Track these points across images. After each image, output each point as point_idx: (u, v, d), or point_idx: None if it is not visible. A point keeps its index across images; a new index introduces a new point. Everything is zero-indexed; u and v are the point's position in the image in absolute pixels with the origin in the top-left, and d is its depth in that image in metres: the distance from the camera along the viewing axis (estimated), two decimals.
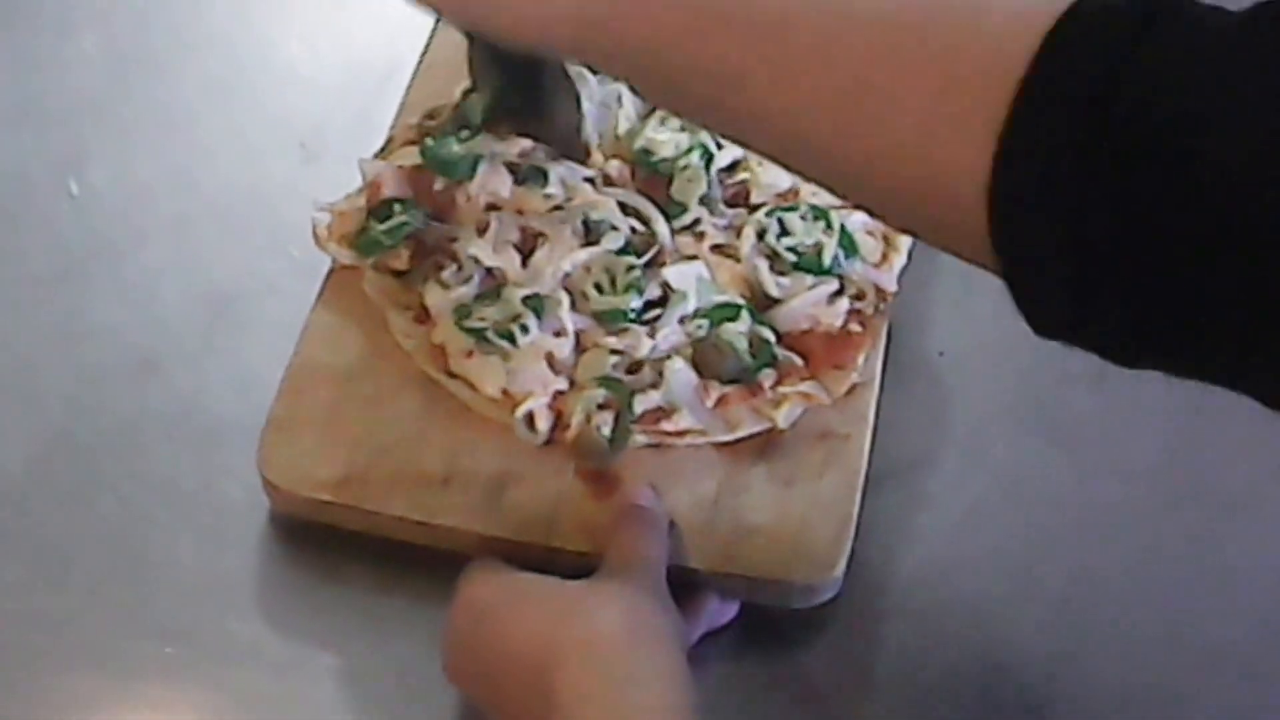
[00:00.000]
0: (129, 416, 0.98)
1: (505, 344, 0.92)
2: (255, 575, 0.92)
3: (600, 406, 0.91)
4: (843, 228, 0.97)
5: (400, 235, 0.97)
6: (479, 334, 0.93)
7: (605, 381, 0.92)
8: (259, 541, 0.93)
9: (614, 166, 1.01)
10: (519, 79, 0.94)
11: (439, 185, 0.99)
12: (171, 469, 0.96)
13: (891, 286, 0.97)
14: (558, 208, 0.98)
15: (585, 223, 0.97)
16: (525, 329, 0.92)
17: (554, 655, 0.77)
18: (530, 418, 0.92)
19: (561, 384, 0.93)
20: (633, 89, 0.79)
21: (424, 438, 0.92)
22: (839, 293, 0.96)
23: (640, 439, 0.92)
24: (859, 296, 0.96)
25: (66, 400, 0.99)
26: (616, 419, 0.91)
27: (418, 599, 0.89)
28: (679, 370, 0.93)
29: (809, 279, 0.96)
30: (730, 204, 1.00)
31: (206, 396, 0.98)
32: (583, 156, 1.00)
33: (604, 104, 1.02)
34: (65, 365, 1.00)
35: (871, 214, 0.76)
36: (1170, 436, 0.96)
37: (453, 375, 0.94)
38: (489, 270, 0.95)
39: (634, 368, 0.93)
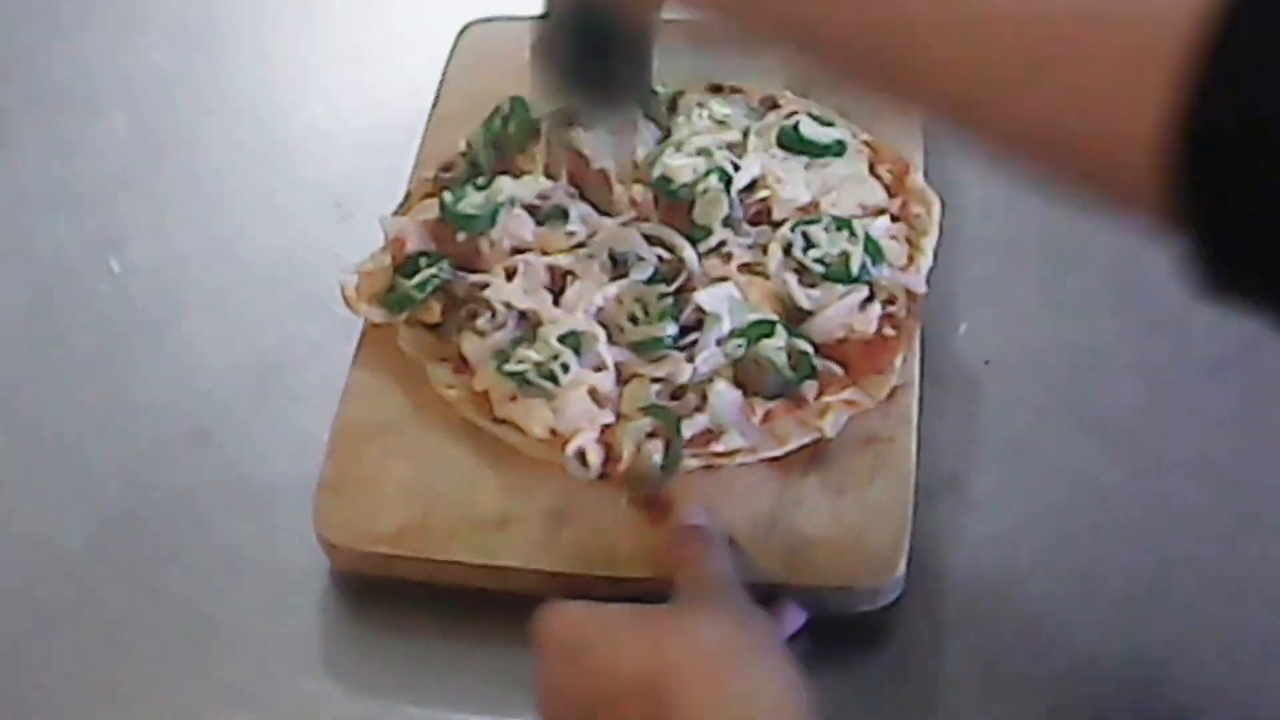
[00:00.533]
0: (184, 488, 0.98)
1: (548, 384, 0.92)
2: (322, 634, 0.93)
3: (649, 435, 0.92)
4: (867, 235, 0.97)
5: (429, 288, 0.97)
6: (521, 377, 0.93)
7: (651, 410, 0.92)
8: (323, 600, 0.94)
9: (637, 191, 1.01)
10: (592, 54, 0.90)
11: (462, 235, 0.99)
12: (230, 536, 0.96)
13: (921, 288, 0.97)
14: (581, 244, 0.98)
15: (612, 256, 0.97)
16: (566, 367, 0.93)
17: (665, 680, 0.76)
18: (581, 454, 0.92)
19: (608, 417, 0.93)
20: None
21: (477, 483, 0.93)
22: (870, 299, 0.96)
23: (692, 462, 0.92)
24: (890, 301, 0.96)
25: (121, 476, 0.99)
26: (667, 445, 0.91)
27: (483, 642, 0.90)
28: (722, 391, 0.93)
29: (839, 288, 0.96)
30: (753, 222, 1.00)
31: (259, 462, 0.99)
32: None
33: (619, 132, 1.02)
34: (117, 442, 1.01)
35: (1037, 173, 0.73)
36: (1222, 429, 0.95)
37: (499, 421, 0.94)
38: (522, 314, 0.96)
39: (677, 393, 0.93)
